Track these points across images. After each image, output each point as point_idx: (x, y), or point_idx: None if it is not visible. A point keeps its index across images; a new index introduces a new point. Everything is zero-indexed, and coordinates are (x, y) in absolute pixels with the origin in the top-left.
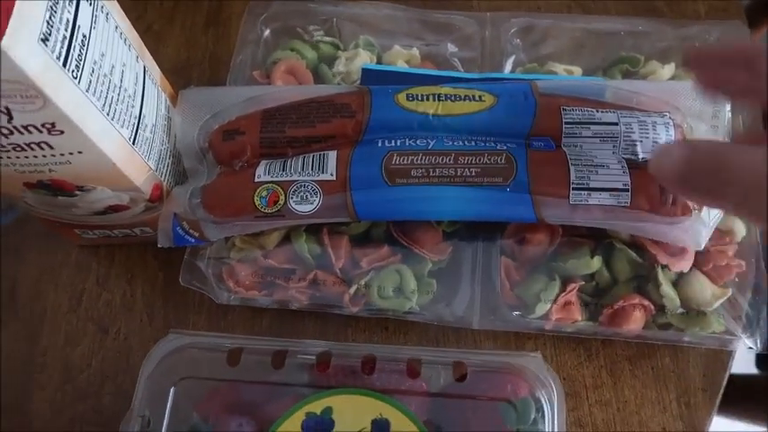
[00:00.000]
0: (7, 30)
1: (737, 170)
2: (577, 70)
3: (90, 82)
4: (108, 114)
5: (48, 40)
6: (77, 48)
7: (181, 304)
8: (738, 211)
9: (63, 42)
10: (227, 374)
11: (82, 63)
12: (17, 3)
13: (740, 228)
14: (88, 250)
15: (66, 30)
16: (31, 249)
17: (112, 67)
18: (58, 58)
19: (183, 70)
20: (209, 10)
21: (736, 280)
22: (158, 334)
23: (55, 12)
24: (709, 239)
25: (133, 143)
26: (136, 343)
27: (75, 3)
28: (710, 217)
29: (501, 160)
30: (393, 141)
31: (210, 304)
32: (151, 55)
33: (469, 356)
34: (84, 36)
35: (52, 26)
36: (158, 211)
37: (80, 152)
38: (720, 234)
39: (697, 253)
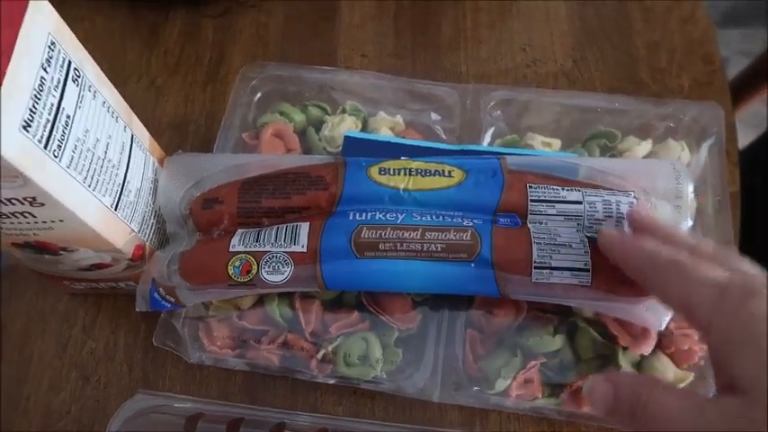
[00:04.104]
0: None
1: (652, 414)
2: (556, 143)
3: (72, 158)
4: (89, 186)
5: (29, 126)
6: (60, 129)
7: (159, 357)
8: None
9: (45, 126)
10: None
11: (64, 142)
12: (2, 94)
13: None
14: (77, 298)
15: (49, 114)
16: (21, 295)
17: (97, 140)
18: (40, 141)
19: (181, 126)
20: (209, 67)
21: (702, 363)
22: (136, 385)
23: (38, 99)
24: (674, 321)
25: (115, 209)
26: (114, 392)
27: (61, 87)
28: None
29: (466, 237)
30: (364, 215)
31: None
32: (152, 109)
33: None
34: (69, 117)
35: (35, 112)
36: (141, 269)
37: (61, 220)
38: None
39: (661, 335)
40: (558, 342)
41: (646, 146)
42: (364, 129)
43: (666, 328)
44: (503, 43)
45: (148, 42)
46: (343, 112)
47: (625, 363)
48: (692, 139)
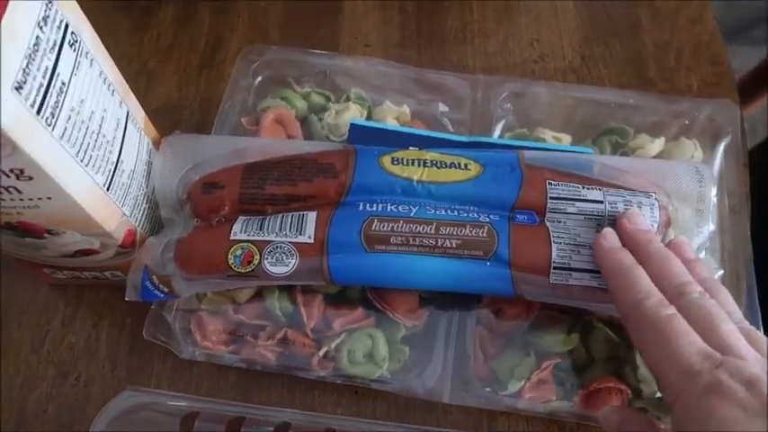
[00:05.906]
0: None
1: None
2: (566, 138)
3: (65, 129)
4: (82, 161)
5: (22, 88)
6: (54, 95)
7: (146, 353)
8: None
9: (39, 90)
10: None
11: (58, 110)
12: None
13: None
14: (57, 289)
15: (43, 77)
16: None
17: (92, 113)
18: (32, 105)
19: (174, 110)
20: (204, 52)
21: None
22: (119, 383)
23: (33, 60)
24: None
25: (107, 189)
26: (95, 391)
27: (56, 50)
28: None
29: (483, 233)
30: (375, 206)
31: (177, 355)
32: (143, 93)
33: None
34: (64, 83)
35: (28, 74)
36: (130, 257)
37: (49, 198)
38: None
39: None
40: (573, 341)
41: (659, 144)
42: (369, 118)
43: None
44: (510, 38)
45: (140, 24)
46: (348, 99)
47: (642, 365)
48: (705, 139)
